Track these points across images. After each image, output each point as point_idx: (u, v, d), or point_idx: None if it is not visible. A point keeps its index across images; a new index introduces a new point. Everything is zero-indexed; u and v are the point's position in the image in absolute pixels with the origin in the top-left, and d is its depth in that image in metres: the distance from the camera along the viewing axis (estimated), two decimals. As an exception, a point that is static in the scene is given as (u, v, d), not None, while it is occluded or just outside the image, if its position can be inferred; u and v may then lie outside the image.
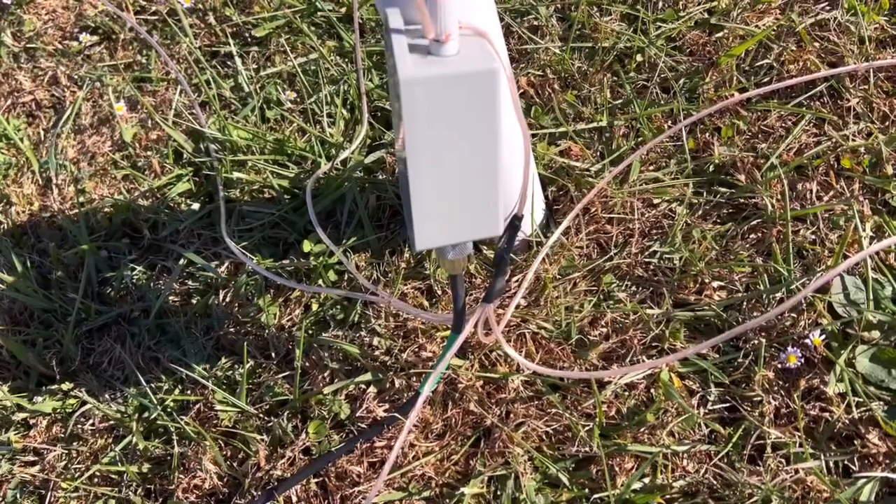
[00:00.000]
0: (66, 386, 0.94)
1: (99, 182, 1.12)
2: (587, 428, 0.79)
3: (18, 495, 0.90)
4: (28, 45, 1.29)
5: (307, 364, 0.88)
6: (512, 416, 0.81)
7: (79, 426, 0.92)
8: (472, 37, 0.62)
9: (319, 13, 1.19)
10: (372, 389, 0.85)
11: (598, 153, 0.97)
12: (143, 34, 1.22)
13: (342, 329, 0.90)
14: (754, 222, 0.88)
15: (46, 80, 1.26)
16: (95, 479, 0.87)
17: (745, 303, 0.84)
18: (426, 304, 0.90)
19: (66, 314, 1.00)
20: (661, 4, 1.05)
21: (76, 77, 1.24)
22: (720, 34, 1.01)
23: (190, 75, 1.19)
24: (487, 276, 0.91)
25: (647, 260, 0.89)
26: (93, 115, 1.20)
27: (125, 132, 1.16)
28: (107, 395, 0.93)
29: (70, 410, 0.94)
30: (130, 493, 0.86)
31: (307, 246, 0.96)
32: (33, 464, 0.92)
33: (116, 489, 0.86)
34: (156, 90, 1.21)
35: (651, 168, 0.95)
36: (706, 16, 1.03)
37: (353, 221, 0.98)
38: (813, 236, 0.86)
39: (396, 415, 0.81)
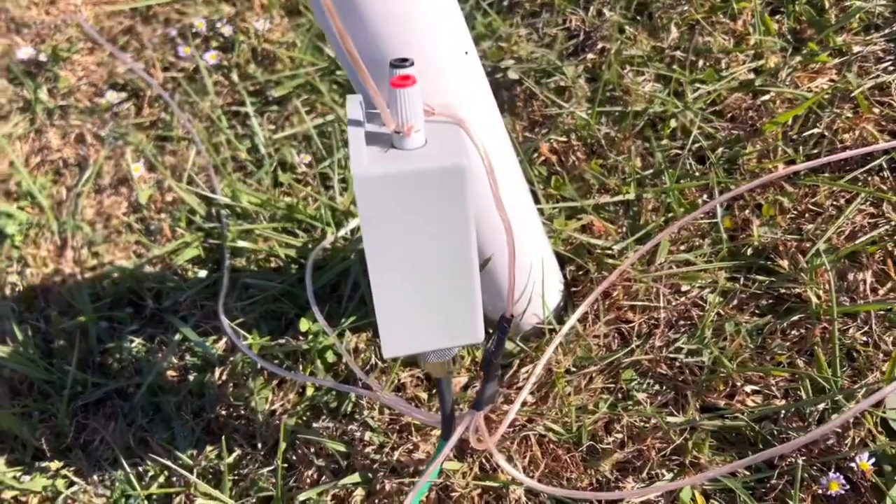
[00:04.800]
0: (55, 465, 0.91)
1: (112, 245, 1.10)
2: (592, 553, 0.69)
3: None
4: (61, 103, 1.29)
5: (294, 458, 0.82)
6: (509, 532, 0.73)
7: (65, 509, 0.88)
8: (447, 123, 0.55)
9: (339, 72, 1.14)
10: (360, 492, 0.78)
11: (623, 230, 0.88)
12: (164, 96, 1.20)
13: (334, 420, 0.83)
14: (797, 317, 0.77)
15: (74, 138, 1.25)
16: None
17: (782, 412, 0.72)
18: (424, 396, 0.82)
19: (62, 386, 0.96)
20: (700, 63, 0.96)
21: (102, 135, 1.23)
22: (766, 97, 0.91)
23: (211, 133, 1.16)
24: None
25: (671, 355, 0.79)
26: (113, 175, 1.18)
27: (141, 194, 1.13)
28: (95, 477, 0.89)
29: (60, 491, 0.90)
30: (105, 589, 0.81)
31: (304, 325, 0.90)
32: (19, 546, 0.88)
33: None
34: (176, 150, 1.18)
35: (681, 248, 0.85)
36: (751, 76, 0.93)
37: (357, 297, 0.91)
38: (865, 337, 0.74)
39: (381, 525, 0.74)
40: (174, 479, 0.85)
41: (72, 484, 0.89)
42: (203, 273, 1.02)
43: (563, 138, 0.96)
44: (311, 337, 0.89)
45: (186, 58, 1.26)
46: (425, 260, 0.55)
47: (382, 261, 0.54)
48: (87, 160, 1.22)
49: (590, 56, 1.01)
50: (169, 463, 0.84)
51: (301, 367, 0.88)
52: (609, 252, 0.86)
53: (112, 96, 1.26)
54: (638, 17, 1.02)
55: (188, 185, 1.10)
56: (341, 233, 0.96)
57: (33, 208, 1.19)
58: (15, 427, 0.94)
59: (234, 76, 1.21)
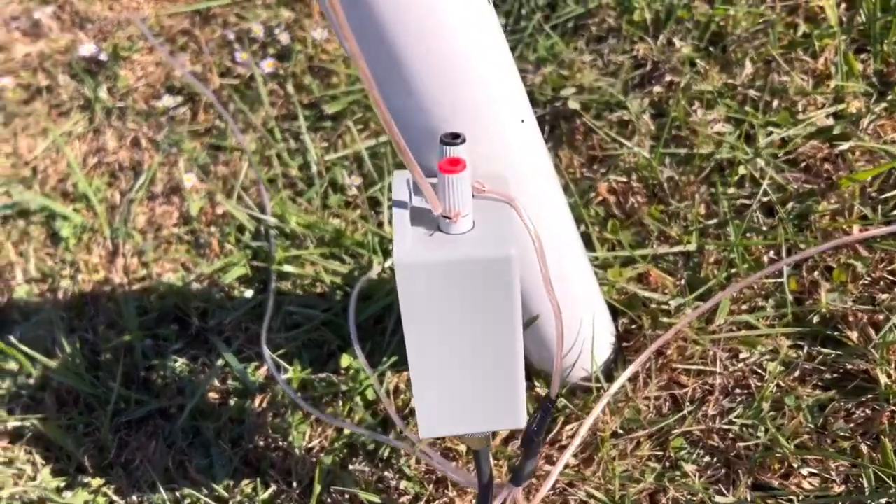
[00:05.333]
0: (97, 482, 0.91)
1: (161, 255, 1.10)
2: None
3: None
4: (119, 104, 1.29)
5: (328, 501, 0.81)
6: None
7: (103, 527, 0.89)
8: (496, 202, 0.52)
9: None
10: (392, 543, 0.77)
11: (682, 283, 0.83)
12: (218, 107, 1.19)
13: (371, 463, 0.82)
14: (864, 398, 0.72)
15: (130, 141, 1.26)
16: None
17: (841, 500, 0.68)
18: (462, 449, 0.80)
19: (107, 401, 0.97)
20: (775, 104, 0.90)
21: (157, 140, 1.23)
22: (844, 146, 0.85)
23: (263, 145, 1.15)
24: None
25: (725, 427, 0.75)
26: (166, 183, 1.18)
27: (192, 205, 1.13)
28: (134, 499, 0.90)
29: (101, 502, 0.91)
30: None
31: (346, 361, 0.88)
32: (59, 558, 0.89)
33: None
34: (229, 160, 1.17)
35: (743, 308, 0.81)
36: (829, 122, 0.87)
37: (400, 333, 0.89)
38: (938, 427, 0.69)
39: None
40: (210, 507, 0.85)
41: (111, 503, 0.90)
42: (249, 293, 1.01)
43: (623, 178, 0.91)
44: (351, 373, 0.88)
45: (243, 64, 1.25)
46: (467, 345, 0.52)
47: (422, 345, 0.52)
48: (142, 165, 1.22)
49: (656, 89, 0.96)
50: (203, 496, 0.84)
51: (341, 404, 0.87)
52: (665, 307, 0.82)
53: (168, 101, 1.26)
54: (710, 50, 0.97)
55: (239, 199, 1.09)
56: (388, 263, 0.94)
57: (88, 211, 1.20)
58: (60, 439, 0.95)
59: (290, 87, 1.19)
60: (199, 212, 1.12)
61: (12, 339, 1.00)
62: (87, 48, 1.36)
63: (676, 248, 0.85)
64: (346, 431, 0.85)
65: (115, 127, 1.28)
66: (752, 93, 0.91)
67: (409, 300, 0.50)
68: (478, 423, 0.56)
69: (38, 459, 0.96)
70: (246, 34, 1.28)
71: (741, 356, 0.78)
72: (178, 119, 1.25)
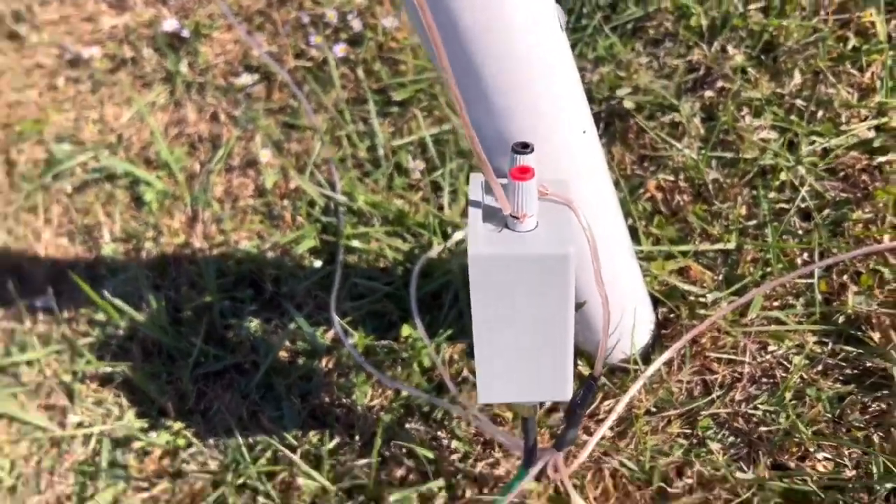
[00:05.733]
0: (177, 425, 1.03)
1: (238, 225, 1.20)
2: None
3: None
4: (199, 79, 1.39)
5: (387, 454, 0.91)
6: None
7: (184, 464, 1.00)
8: (557, 204, 0.60)
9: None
10: (443, 495, 0.86)
11: (719, 278, 0.90)
12: (293, 87, 1.28)
13: (426, 423, 0.91)
14: (879, 393, 0.79)
15: (209, 115, 1.35)
16: (188, 523, 0.95)
17: (851, 484, 0.76)
18: (509, 415, 0.89)
19: (188, 353, 1.08)
20: (819, 114, 0.96)
21: (235, 115, 1.32)
22: (882, 159, 0.90)
23: (334, 126, 1.24)
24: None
25: (750, 412, 0.82)
26: (242, 157, 1.28)
27: (267, 179, 1.22)
28: (211, 441, 1.00)
29: (181, 445, 1.02)
30: (215, 543, 0.92)
31: (406, 330, 0.97)
32: (145, 489, 1.01)
33: (204, 536, 0.93)
34: (302, 138, 1.26)
35: (775, 304, 0.88)
36: (871, 134, 0.93)
37: (455, 309, 0.98)
38: (946, 424, 0.76)
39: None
40: (279, 455, 0.95)
41: (190, 444, 1.01)
42: (318, 263, 1.11)
43: (671, 177, 0.98)
44: (410, 342, 0.97)
45: (316, 46, 1.33)
46: (526, 326, 0.61)
47: (487, 324, 0.61)
48: (220, 138, 1.32)
49: (708, 94, 1.02)
50: (275, 442, 0.95)
51: (400, 369, 0.96)
52: (702, 300, 0.89)
53: (246, 78, 1.35)
54: (762, 59, 1.02)
55: (311, 176, 1.18)
56: (449, 244, 1.03)
57: (169, 178, 1.30)
58: (144, 385, 1.06)
59: (360, 72, 1.27)
60: (274, 185, 1.22)
61: (105, 293, 1.11)
62: (169, 23, 1.45)
63: (717, 246, 0.92)
64: (404, 393, 0.95)
65: (195, 101, 1.38)
66: (798, 102, 0.97)
67: (478, 286, 0.58)
68: (530, 393, 0.65)
69: (125, 402, 1.08)
70: (320, 18, 1.36)
71: (769, 349, 0.85)
72: (254, 96, 1.34)
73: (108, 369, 1.10)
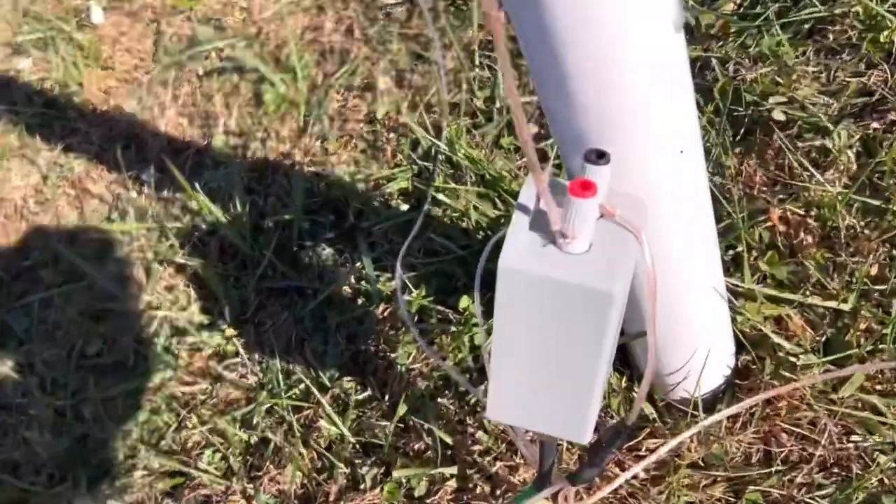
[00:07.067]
0: (230, 332, 1.03)
1: (340, 147, 1.17)
2: None
3: (164, 406, 1.02)
4: (345, -12, 1.35)
5: (411, 422, 0.87)
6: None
7: (226, 371, 1.01)
8: (621, 229, 0.52)
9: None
10: (452, 483, 0.82)
11: (820, 341, 0.78)
12: (428, 18, 1.21)
13: (459, 403, 0.87)
14: (970, 529, 0.66)
15: (345, 28, 1.32)
16: (213, 429, 0.96)
17: None
18: (543, 423, 0.82)
19: (259, 263, 1.07)
20: None
21: (368, 34, 1.28)
22: None
23: (461, 66, 1.17)
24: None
25: (808, 500, 0.72)
26: (364, 77, 1.24)
27: (380, 107, 1.18)
28: (256, 356, 1.01)
29: (229, 352, 1.03)
30: (232, 457, 0.93)
31: (464, 302, 0.92)
32: (188, 384, 1.03)
33: (225, 446, 0.94)
34: (427, 70, 1.20)
35: (877, 388, 0.75)
36: None
37: (525, 294, 0.91)
38: None
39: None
40: (311, 390, 0.94)
41: (237, 353, 1.01)
42: (405, 207, 1.06)
43: (801, 210, 0.85)
44: (466, 315, 0.91)
45: (466, -21, 1.25)
46: (551, 354, 0.54)
47: (509, 341, 0.54)
48: (349, 54, 1.28)
49: (874, 125, 0.87)
50: (308, 378, 0.93)
51: (450, 339, 0.92)
52: (793, 359, 0.77)
53: (389, -3, 1.30)
54: (955, 98, 0.86)
55: (421, 114, 1.13)
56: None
57: (292, 83, 1.28)
58: (213, 284, 1.07)
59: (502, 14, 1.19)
60: (385, 115, 1.17)
61: (197, 186, 1.12)
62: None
63: (829, 303, 0.79)
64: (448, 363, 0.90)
65: (337, 8, 1.34)
66: (983, 160, 0.81)
67: (505, 300, 0.52)
68: (542, 425, 0.58)
69: (193, 295, 1.10)
70: (478, -51, 1.27)
71: (854, 437, 0.73)
72: (393, 17, 1.29)
73: (184, 261, 1.11)
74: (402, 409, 0.85)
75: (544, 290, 0.50)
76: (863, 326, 0.78)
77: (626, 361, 0.84)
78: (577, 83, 0.49)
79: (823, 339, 0.78)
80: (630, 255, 0.50)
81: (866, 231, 0.81)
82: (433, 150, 1.08)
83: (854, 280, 0.80)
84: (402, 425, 0.87)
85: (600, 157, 0.49)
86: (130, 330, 1.10)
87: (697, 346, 0.74)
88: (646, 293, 0.52)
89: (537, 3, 0.46)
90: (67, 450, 1.03)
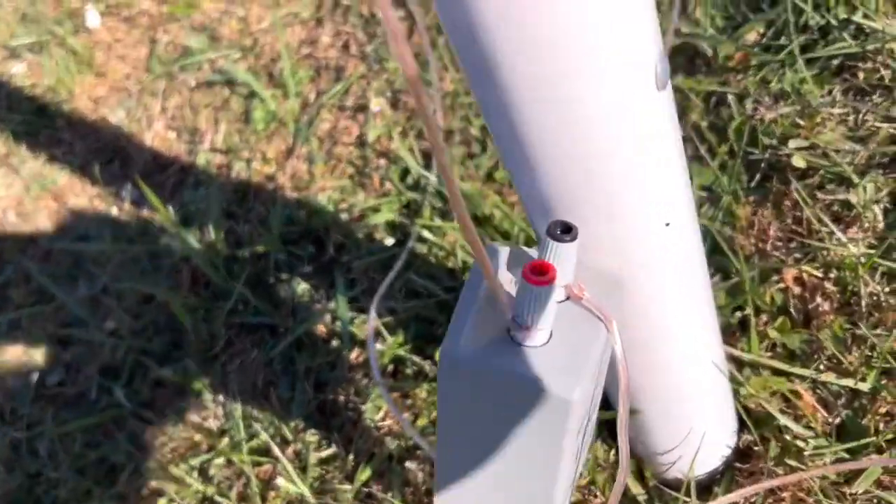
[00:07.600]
0: (195, 369, 0.96)
1: (327, 173, 1.10)
2: None
3: (122, 446, 0.95)
4: (345, 1, 1.28)
5: (377, 489, 0.79)
6: None
7: (189, 412, 0.94)
8: (590, 315, 0.43)
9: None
10: (414, 561, 0.74)
11: (833, 424, 0.69)
12: (424, 39, 1.14)
13: (429, 469, 0.79)
14: None
15: (342, 43, 1.24)
16: (169, 475, 0.89)
17: None
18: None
19: (230, 296, 1.00)
20: None
21: (365, 51, 1.21)
22: None
23: (459, 88, 1.09)
24: None
25: None
26: (357, 98, 1.16)
27: (371, 131, 1.10)
28: (220, 398, 0.94)
29: (193, 391, 0.96)
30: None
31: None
32: (147, 421, 0.96)
33: (181, 495, 0.87)
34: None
35: (893, 484, 0.66)
36: None
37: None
38: None
39: None
40: (276, 439, 0.86)
41: (200, 394, 0.94)
42: (389, 241, 0.99)
43: (819, 273, 0.76)
44: (445, 369, 0.83)
45: None
46: (504, 451, 0.46)
47: (454, 434, 0.47)
48: (344, 71, 1.21)
49: (906, 179, 0.77)
50: (269, 432, 0.86)
51: (425, 393, 0.84)
52: (802, 444, 0.68)
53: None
54: None
55: (413, 140, 1.05)
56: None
57: (283, 99, 1.22)
58: (181, 315, 1.00)
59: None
60: (376, 139, 1.10)
61: (171, 210, 1.06)
62: (338, -67, 1.34)
63: (846, 381, 0.70)
64: (420, 423, 0.82)
65: (336, 22, 1.27)
66: None
67: (448, 392, 0.44)
68: (499, 526, 0.50)
69: (161, 325, 1.03)
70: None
71: (866, 541, 0.64)
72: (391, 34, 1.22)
73: (152, 291, 1.05)
74: (365, 474, 0.78)
75: (492, 385, 0.42)
76: (883, 410, 0.68)
77: (616, 432, 0.75)
78: (541, 152, 0.41)
79: (837, 422, 0.69)
80: (599, 346, 0.42)
81: (891, 300, 0.72)
82: (422, 182, 1.01)
83: (875, 356, 0.70)
84: (366, 489, 0.80)
85: (566, 231, 0.41)
86: (95, 359, 1.04)
87: (693, 425, 0.65)
88: (620, 388, 0.44)
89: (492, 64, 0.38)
90: (19, 486, 0.97)
